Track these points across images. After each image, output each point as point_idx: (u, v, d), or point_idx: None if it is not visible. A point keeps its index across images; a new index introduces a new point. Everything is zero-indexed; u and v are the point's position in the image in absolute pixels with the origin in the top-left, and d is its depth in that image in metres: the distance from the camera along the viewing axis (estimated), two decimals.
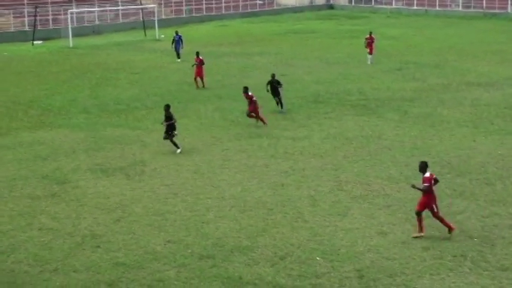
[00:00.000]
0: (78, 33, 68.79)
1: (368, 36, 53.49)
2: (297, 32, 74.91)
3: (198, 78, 44.56)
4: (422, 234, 20.90)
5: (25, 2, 74.24)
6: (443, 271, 18.90)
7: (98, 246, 20.65)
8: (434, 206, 20.86)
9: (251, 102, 34.57)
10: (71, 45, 64.71)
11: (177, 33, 57.56)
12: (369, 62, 52.62)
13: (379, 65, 51.32)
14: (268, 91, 37.67)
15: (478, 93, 42.22)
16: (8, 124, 35.81)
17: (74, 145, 31.60)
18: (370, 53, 53.01)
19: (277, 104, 37.83)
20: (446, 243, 20.69)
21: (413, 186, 21.22)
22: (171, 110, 30.21)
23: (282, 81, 37.61)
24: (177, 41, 56.72)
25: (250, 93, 34.73)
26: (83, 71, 51.76)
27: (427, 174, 20.81)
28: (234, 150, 30.42)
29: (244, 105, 37.98)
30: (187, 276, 18.61)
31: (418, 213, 20.91)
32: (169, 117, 30.04)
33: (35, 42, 67.24)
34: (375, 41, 53.43)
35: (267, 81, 37.82)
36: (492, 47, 61.71)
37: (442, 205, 23.58)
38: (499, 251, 20.08)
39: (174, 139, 30.08)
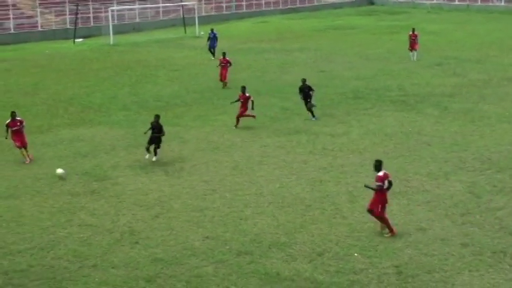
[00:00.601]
0: (118, 30, 69.10)
1: (411, 33, 52.72)
2: (337, 28, 74.65)
3: (223, 80, 44.10)
4: (393, 233, 20.76)
5: (66, 0, 74.55)
6: (483, 267, 18.77)
7: (137, 243, 20.80)
8: (380, 206, 20.69)
9: (244, 103, 33.87)
10: (111, 42, 65.06)
11: (212, 30, 57.41)
12: (414, 59, 51.76)
13: (419, 61, 50.93)
14: (301, 98, 35.57)
15: None
16: (49, 121, 36.14)
17: (114, 142, 31.83)
18: (412, 49, 52.16)
19: (308, 111, 35.47)
20: (486, 239, 20.54)
21: (366, 186, 21.45)
22: (161, 121, 28.92)
23: (313, 87, 35.63)
24: (212, 39, 56.44)
25: (247, 94, 34.02)
26: (123, 68, 52.04)
27: (381, 174, 20.66)
28: (273, 147, 30.43)
29: (284, 101, 38.09)
30: (225, 272, 18.66)
31: (370, 211, 20.83)
32: (159, 129, 28.58)
33: (76, 39, 67.59)
34: (418, 37, 52.64)
35: (298, 87, 35.79)
36: None
37: (482, 201, 23.53)
38: None
39: (159, 150, 28.69)
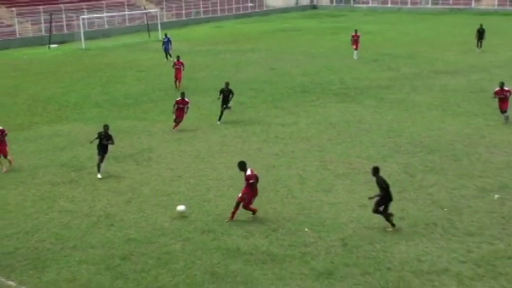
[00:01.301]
0: (89, 36, 68.60)
1: (354, 34, 52.73)
2: (285, 30, 74.76)
3: (177, 81, 42.47)
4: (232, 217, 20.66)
5: (41, 10, 74.03)
6: (417, 238, 19.06)
7: (112, 225, 20.76)
8: (252, 199, 20.61)
9: (183, 108, 31.68)
10: (83, 47, 64.53)
11: (166, 35, 56.93)
12: (355, 57, 51.81)
13: (358, 58, 51.26)
14: (218, 99, 33.37)
15: (446, 80, 42.32)
16: (29, 119, 35.78)
17: (88, 136, 31.38)
18: (356, 48, 52.23)
19: (220, 113, 33.29)
20: (420, 213, 20.84)
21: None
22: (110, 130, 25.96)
23: (233, 91, 33.48)
24: (166, 42, 55.58)
25: (186, 99, 31.87)
26: (95, 70, 51.63)
27: (249, 172, 20.47)
28: (231, 137, 30.49)
29: (239, 97, 38.00)
30: (191, 249, 18.72)
31: (242, 205, 20.51)
32: (108, 138, 25.61)
33: (51, 45, 67.00)
34: (359, 37, 52.59)
35: (220, 89, 33.46)
36: (458, 38, 61.68)
37: (415, 180, 23.84)
38: (465, 219, 20.24)
39: (103, 163, 25.82)
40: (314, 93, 39.91)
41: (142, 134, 31.72)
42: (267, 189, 23.36)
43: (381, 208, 19.40)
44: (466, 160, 26.06)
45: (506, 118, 30.86)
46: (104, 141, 25.39)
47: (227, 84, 33.32)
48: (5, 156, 26.69)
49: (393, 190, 22.48)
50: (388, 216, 19.52)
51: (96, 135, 25.58)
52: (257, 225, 20.15)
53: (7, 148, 26.93)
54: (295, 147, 28.58)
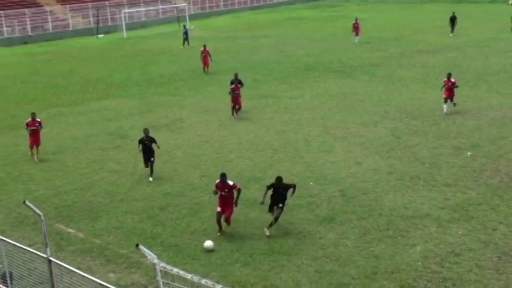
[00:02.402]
0: (130, 27, 68.34)
1: (354, 22, 51.23)
2: (291, 19, 74.12)
3: (205, 67, 40.80)
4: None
5: (90, 6, 73.93)
6: (403, 189, 19.03)
7: (152, 182, 20.85)
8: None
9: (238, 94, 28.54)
10: (125, 36, 64.32)
11: (184, 26, 56.49)
12: (356, 41, 50.28)
13: (352, 40, 50.77)
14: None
15: (426, 58, 41.90)
16: (82, 96, 35.83)
17: (131, 110, 31.66)
18: (357, 34, 50.72)
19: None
20: (405, 168, 20.78)
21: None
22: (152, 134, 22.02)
23: (243, 81, 30.43)
24: (185, 33, 55.06)
25: (239, 85, 29.13)
26: (135, 55, 51.51)
27: (231, 183, 16.37)
28: (248, 107, 30.36)
29: (254, 75, 37.81)
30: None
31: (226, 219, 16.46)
32: (152, 140, 21.47)
33: (98, 35, 66.91)
34: (360, 24, 51.11)
35: (230, 81, 30.39)
36: (436, 23, 60.84)
37: (401, 141, 23.78)
38: (443, 173, 20.18)
39: (154, 165, 21.38)
40: (316, 71, 39.65)
41: (175, 106, 31.70)
42: (278, 150, 23.38)
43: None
44: (444, 124, 25.89)
45: (454, 105, 27.52)
46: (148, 144, 21.23)
47: (236, 75, 30.25)
48: (37, 146, 24.06)
49: (383, 149, 22.58)
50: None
51: (138, 143, 21.52)
52: (270, 181, 20.07)
53: (40, 140, 24.33)
54: (301, 116, 28.49)
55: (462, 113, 27.45)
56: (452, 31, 52.09)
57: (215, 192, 16.63)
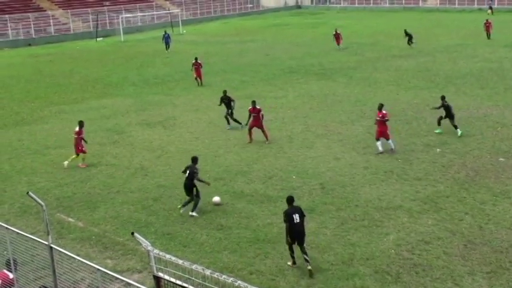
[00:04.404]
0: (127, 31, 68.13)
1: (335, 32, 50.06)
2: (276, 25, 74.11)
3: (198, 78, 37.05)
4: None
5: (90, 11, 73.55)
6: (378, 182, 19.08)
7: (146, 175, 20.78)
8: None
9: (257, 117, 24.04)
10: (122, 40, 64.08)
11: (165, 32, 55.65)
12: (339, 48, 48.92)
13: (332, 45, 50.68)
14: (220, 105, 27.16)
15: (399, 62, 42.03)
16: (82, 95, 35.63)
17: (127, 108, 31.52)
18: (338, 44, 49.51)
19: (227, 119, 26.64)
20: (380, 163, 20.83)
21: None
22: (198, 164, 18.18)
23: (233, 98, 27.18)
24: (166, 38, 54.30)
25: (258, 107, 24.17)
26: (131, 57, 51.29)
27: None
28: (236, 107, 30.21)
29: (242, 76, 37.76)
30: (207, 192, 18.65)
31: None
32: (193, 172, 17.39)
33: (97, 39, 66.61)
34: (341, 34, 49.56)
35: (220, 98, 27.36)
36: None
37: None
38: (415, 167, 20.24)
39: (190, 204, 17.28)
40: (299, 73, 39.66)
41: (168, 105, 31.61)
42: (263, 146, 23.36)
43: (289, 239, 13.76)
44: (415, 123, 26.00)
45: (392, 150, 22.04)
46: (188, 176, 17.33)
47: (225, 92, 27.15)
48: (78, 155, 22.11)
49: (359, 146, 22.61)
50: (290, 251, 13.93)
51: (184, 169, 17.86)
52: (256, 174, 20.15)
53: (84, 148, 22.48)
54: (284, 115, 28.49)
55: (432, 112, 27.56)
56: (410, 43, 49.37)
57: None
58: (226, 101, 26.76)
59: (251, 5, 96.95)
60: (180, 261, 8.70)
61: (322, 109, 29.17)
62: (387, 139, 21.95)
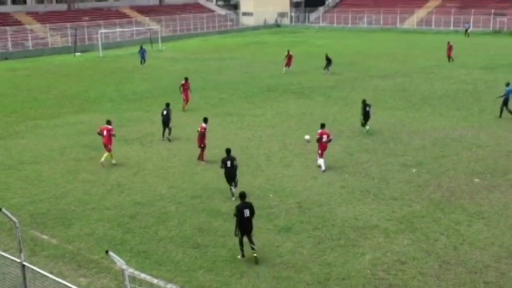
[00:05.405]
0: (106, 47, 67.82)
1: (287, 53, 49.21)
2: (256, 43, 74.51)
3: (185, 101, 34.20)
4: None
5: (68, 26, 73.26)
6: (355, 201, 19.17)
7: (122, 192, 20.63)
8: None
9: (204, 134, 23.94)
10: (101, 55, 63.80)
11: (141, 47, 56.68)
12: (283, 72, 47.37)
13: (310, 64, 51.09)
14: (162, 122, 27.36)
15: (377, 82, 42.48)
16: (59, 110, 35.32)
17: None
18: (288, 66, 47.87)
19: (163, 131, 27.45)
20: (357, 182, 20.94)
21: None
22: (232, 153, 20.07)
23: (170, 113, 27.20)
24: (142, 52, 54.99)
25: (204, 125, 24.05)
26: (109, 72, 51.09)
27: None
28: (214, 124, 30.15)
29: (220, 94, 37.78)
30: (184, 210, 18.68)
31: None
32: (233, 162, 19.62)
33: (75, 53, 66.26)
34: (292, 57, 48.40)
35: (161, 111, 27.60)
36: (386, 50, 61.94)
37: (353, 157, 23.98)
38: (391, 187, 20.39)
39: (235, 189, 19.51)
40: (277, 91, 39.84)
41: (146, 122, 31.48)
42: (241, 164, 23.12)
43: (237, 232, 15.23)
44: (392, 143, 26.22)
45: (322, 169, 22.42)
46: (232, 165, 19.53)
47: (167, 104, 27.74)
48: (108, 150, 23.57)
49: (336, 165, 22.71)
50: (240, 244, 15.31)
51: (222, 163, 19.85)
52: (233, 192, 20.10)
53: (110, 146, 23.77)
54: (262, 133, 28.54)
55: (408, 132, 27.85)
56: (326, 68, 47.63)
57: None
58: (166, 114, 27.12)
59: (231, 23, 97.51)
60: (155, 280, 8.64)
61: (300, 128, 29.27)
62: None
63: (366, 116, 27.84)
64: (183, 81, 34.52)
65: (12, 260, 11.08)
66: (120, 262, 8.95)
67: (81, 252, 15.82)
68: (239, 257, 15.29)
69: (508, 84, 30.76)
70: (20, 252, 10.66)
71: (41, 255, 15.71)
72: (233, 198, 18.92)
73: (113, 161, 24.02)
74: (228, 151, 20.12)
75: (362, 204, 18.84)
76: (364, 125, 27.92)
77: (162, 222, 17.75)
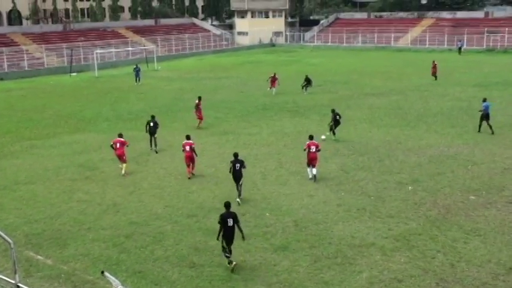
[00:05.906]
0: (101, 67, 67.99)
1: (272, 75, 47.41)
2: (251, 62, 74.81)
3: (200, 120, 34.79)
4: None
5: (64, 46, 73.51)
6: (351, 219, 19.14)
7: (118, 211, 20.55)
8: None
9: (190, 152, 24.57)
10: (96, 75, 63.90)
11: (136, 65, 57.53)
12: (273, 93, 46.49)
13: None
14: (147, 132, 29.39)
15: (372, 100, 42.62)
16: (54, 130, 35.28)
17: (100, 143, 31.22)
18: (273, 86, 46.68)
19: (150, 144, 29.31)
20: (353, 200, 20.92)
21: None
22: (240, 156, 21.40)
23: (158, 124, 29.16)
24: (137, 71, 56.00)
25: (190, 141, 24.83)
26: (105, 92, 51.13)
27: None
28: (210, 143, 30.37)
29: (216, 113, 37.79)
30: (179, 229, 18.61)
31: None
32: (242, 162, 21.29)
33: (71, 74, 66.34)
34: (278, 79, 47.13)
35: (147, 121, 29.66)
36: (381, 69, 62.24)
37: (349, 175, 23.95)
38: (387, 205, 20.37)
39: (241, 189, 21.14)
40: (273, 110, 39.92)
41: (142, 141, 31.36)
42: None
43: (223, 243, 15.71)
44: (387, 160, 26.24)
45: (315, 177, 23.47)
46: (241, 167, 21.10)
47: (153, 117, 29.62)
48: (124, 162, 25.14)
49: (333, 183, 22.70)
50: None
51: (231, 166, 21.13)
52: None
53: (124, 157, 25.19)
54: (258, 151, 28.55)
55: (404, 150, 27.90)
56: (305, 88, 47.02)
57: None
58: (153, 124, 29.12)
59: (226, 42, 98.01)
60: None
61: (295, 146, 29.27)
62: (314, 166, 23.48)
63: (336, 123, 30.36)
64: (197, 101, 35.11)
65: (7, 281, 10.99)
66: (115, 282, 8.91)
67: (76, 273, 15.72)
68: (228, 264, 15.64)
69: (484, 100, 31.81)
70: (15, 273, 10.59)
71: (36, 276, 15.60)
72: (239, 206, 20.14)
73: (123, 172, 25.01)
74: (236, 155, 21.40)
75: (358, 222, 18.81)
76: (333, 132, 30.28)
77: (157, 242, 17.67)
